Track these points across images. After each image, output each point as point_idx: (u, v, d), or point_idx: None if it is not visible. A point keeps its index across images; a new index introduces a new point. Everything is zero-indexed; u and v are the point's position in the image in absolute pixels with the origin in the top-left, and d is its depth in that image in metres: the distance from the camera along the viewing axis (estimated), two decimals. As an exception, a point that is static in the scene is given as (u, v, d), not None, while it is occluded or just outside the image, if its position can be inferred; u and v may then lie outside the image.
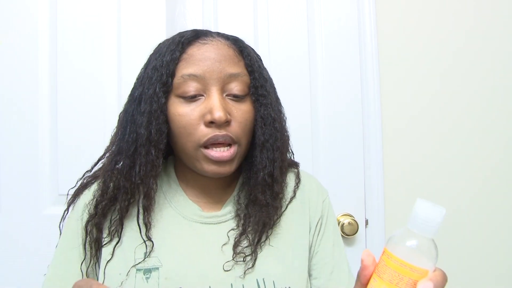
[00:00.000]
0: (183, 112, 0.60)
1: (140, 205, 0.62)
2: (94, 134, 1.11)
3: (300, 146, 1.15)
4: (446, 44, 1.24)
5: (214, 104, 0.58)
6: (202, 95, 0.60)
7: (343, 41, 1.22)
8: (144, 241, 0.62)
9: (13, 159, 1.12)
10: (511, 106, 1.23)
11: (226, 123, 0.59)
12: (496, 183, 1.23)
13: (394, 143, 1.22)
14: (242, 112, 0.62)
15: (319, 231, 0.71)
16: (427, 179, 1.22)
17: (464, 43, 1.24)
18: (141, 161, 0.60)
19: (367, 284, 0.42)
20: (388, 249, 0.41)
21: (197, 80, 0.59)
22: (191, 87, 0.60)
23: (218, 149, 0.60)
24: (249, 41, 0.70)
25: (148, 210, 0.62)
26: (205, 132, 0.59)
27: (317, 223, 0.71)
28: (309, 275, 0.69)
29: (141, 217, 0.62)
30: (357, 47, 1.21)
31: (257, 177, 0.63)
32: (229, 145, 0.61)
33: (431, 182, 1.22)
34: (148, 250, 0.61)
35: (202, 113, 0.59)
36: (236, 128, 0.60)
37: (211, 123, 0.59)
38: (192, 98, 0.60)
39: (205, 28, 0.75)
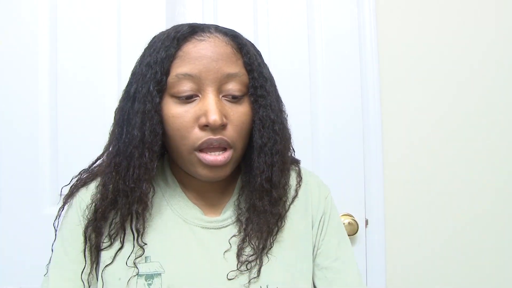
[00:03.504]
0: (177, 114, 0.57)
1: (133, 210, 0.59)
2: (94, 134, 1.11)
3: (300, 146, 1.14)
4: (446, 44, 1.24)
5: (209, 106, 0.55)
6: (198, 96, 0.57)
7: (343, 41, 1.22)
8: (141, 247, 0.60)
9: (13, 159, 1.12)
10: None
11: (222, 126, 0.56)
12: (496, 183, 1.22)
13: (394, 143, 1.22)
14: (239, 114, 0.58)
15: (322, 229, 0.68)
16: (427, 179, 1.22)
17: (465, 43, 1.24)
18: (134, 164, 0.57)
19: None
20: None
21: (192, 80, 0.56)
22: (186, 87, 0.56)
23: (212, 153, 0.57)
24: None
25: (141, 215, 0.59)
26: (199, 136, 0.56)
27: (320, 220, 0.68)
28: (313, 275, 0.66)
29: (134, 222, 0.59)
30: (357, 47, 1.21)
31: (255, 182, 0.60)
32: (224, 149, 0.58)
33: (431, 182, 1.22)
34: (143, 255, 0.60)
35: (197, 115, 0.56)
36: (231, 132, 0.58)
37: (205, 126, 0.56)
38: (187, 99, 0.57)
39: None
